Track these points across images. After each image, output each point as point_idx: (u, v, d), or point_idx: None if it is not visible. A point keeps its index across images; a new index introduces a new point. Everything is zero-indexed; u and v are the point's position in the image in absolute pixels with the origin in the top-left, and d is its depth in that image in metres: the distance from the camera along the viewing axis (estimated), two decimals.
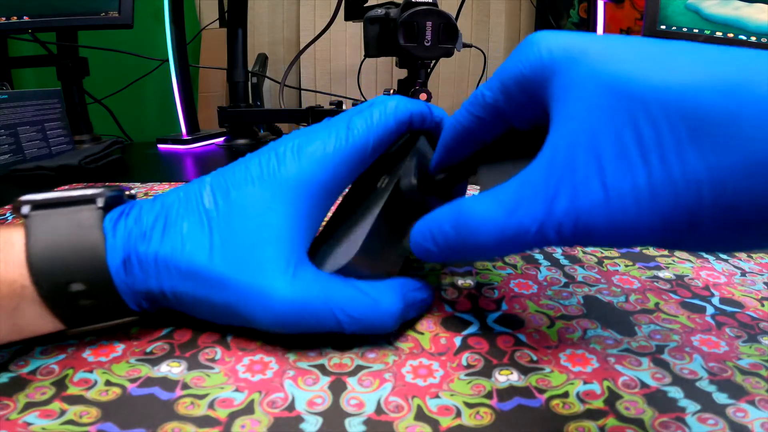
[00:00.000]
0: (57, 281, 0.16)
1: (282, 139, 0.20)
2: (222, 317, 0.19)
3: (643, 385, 0.17)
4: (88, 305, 0.17)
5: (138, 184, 0.47)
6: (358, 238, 0.20)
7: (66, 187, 0.46)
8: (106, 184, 0.47)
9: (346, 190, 0.23)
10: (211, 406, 0.16)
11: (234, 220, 0.18)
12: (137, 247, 0.18)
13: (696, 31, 0.63)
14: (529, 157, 0.15)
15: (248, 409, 0.15)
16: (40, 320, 0.17)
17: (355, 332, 0.18)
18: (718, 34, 0.63)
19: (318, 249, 0.21)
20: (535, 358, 0.18)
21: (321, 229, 0.22)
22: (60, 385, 0.17)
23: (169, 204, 0.19)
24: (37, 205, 0.17)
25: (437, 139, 0.23)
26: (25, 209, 0.17)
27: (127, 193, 0.20)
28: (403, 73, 0.60)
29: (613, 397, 0.16)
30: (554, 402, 0.16)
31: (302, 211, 0.19)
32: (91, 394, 0.16)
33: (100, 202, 0.18)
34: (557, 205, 0.14)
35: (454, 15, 0.53)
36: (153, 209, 0.19)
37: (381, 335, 0.20)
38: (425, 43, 0.52)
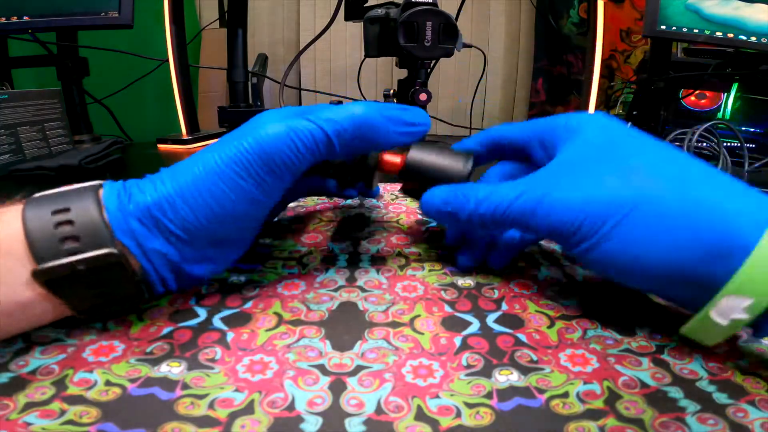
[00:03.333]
0: (45, 214, 0.18)
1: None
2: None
3: (643, 385, 0.17)
4: (73, 249, 0.17)
5: None
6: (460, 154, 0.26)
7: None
8: None
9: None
10: (211, 406, 0.16)
11: None
12: (138, 183, 0.21)
13: (696, 31, 0.63)
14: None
15: (248, 409, 0.15)
16: (26, 287, 0.17)
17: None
18: (718, 34, 0.63)
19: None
20: (535, 358, 0.18)
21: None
22: (60, 385, 0.17)
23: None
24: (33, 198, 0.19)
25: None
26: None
27: None
28: (403, 73, 0.60)
29: (613, 397, 0.16)
30: (554, 402, 0.16)
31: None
32: (91, 394, 0.16)
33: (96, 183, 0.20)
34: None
35: (454, 15, 0.53)
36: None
37: (379, 336, 0.20)
38: (425, 43, 0.52)
